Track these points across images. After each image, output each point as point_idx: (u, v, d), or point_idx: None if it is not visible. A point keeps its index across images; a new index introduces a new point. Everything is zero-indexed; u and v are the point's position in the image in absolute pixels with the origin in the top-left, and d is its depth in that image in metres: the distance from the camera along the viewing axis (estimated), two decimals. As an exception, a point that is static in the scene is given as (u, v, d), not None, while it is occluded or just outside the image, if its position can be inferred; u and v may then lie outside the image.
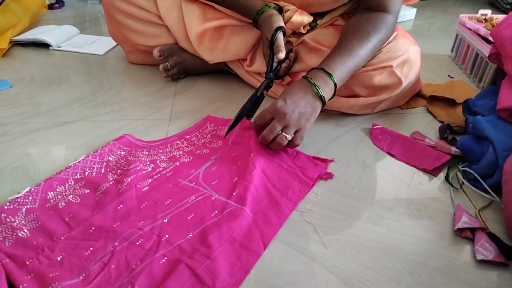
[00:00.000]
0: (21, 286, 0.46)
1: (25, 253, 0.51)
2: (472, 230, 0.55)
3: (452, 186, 0.65)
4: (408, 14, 1.54)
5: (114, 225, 0.55)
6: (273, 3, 0.82)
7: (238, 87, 0.97)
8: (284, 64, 0.80)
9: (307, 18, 0.83)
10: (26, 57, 1.17)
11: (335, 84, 0.69)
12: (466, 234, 0.55)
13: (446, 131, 0.76)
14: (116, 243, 0.52)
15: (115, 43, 1.21)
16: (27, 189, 0.61)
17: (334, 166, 0.69)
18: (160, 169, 0.67)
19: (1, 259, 0.49)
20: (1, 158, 0.70)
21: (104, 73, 1.06)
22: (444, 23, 1.50)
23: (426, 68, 1.06)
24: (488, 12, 1.08)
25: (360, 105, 0.80)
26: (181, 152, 0.72)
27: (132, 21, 0.95)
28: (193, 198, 0.61)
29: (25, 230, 0.54)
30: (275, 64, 0.78)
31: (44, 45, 1.23)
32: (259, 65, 0.89)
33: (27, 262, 0.49)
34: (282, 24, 0.78)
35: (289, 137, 0.67)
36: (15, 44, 1.24)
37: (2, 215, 0.56)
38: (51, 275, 0.47)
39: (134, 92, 0.95)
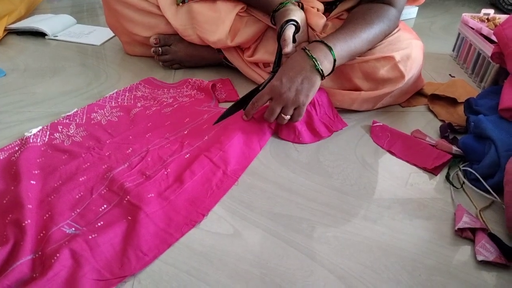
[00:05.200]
0: (80, 179, 0.59)
1: (80, 150, 0.66)
2: (473, 231, 0.54)
3: (453, 185, 0.64)
4: (409, 12, 1.53)
5: (147, 136, 0.71)
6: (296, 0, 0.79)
7: (236, 80, 0.95)
8: None
9: (322, 21, 0.81)
10: (22, 45, 1.15)
11: (334, 60, 0.68)
12: (466, 235, 0.54)
13: (447, 130, 0.76)
14: (149, 146, 0.67)
15: (112, 34, 1.20)
16: (75, 109, 0.78)
17: (334, 164, 0.68)
18: (179, 101, 0.83)
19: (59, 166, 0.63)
20: (-7, 147, 0.68)
21: (101, 64, 1.04)
22: (445, 23, 1.49)
23: (427, 67, 1.05)
24: (491, 11, 1.07)
25: (361, 99, 0.79)
26: (195, 91, 0.88)
27: (131, 11, 0.94)
28: (206, 116, 0.76)
29: (78, 137, 0.70)
30: (284, 59, 0.76)
31: (40, 34, 1.20)
32: (260, 55, 0.88)
33: (83, 155, 0.65)
34: (296, 18, 0.75)
35: (287, 117, 0.69)
36: (10, 32, 1.21)
37: (59, 126, 0.73)
38: (103, 167, 0.62)
39: (131, 84, 0.93)
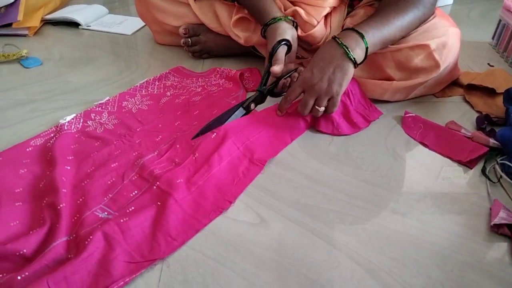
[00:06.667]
0: (112, 165, 0.61)
1: (112, 137, 0.68)
2: (510, 227, 0.52)
3: (489, 179, 0.61)
4: (446, -2, 1.46)
5: (176, 124, 0.72)
6: (289, 17, 0.78)
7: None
8: (283, 81, 0.75)
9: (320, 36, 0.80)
10: (57, 35, 1.18)
11: (366, 47, 0.66)
12: (503, 231, 0.52)
13: (484, 122, 0.72)
14: (178, 133, 0.69)
15: (143, 24, 1.21)
16: (107, 98, 0.80)
17: (363, 155, 0.67)
18: (208, 90, 0.85)
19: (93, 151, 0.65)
20: (31, 133, 0.71)
21: (132, 53, 1.06)
22: (484, 9, 1.42)
23: (463, 55, 1.00)
24: (536, -4, 1.00)
25: (393, 89, 0.76)
26: (223, 80, 0.88)
27: (160, 1, 0.95)
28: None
29: (110, 125, 0.72)
30: (272, 79, 0.74)
31: (74, 24, 1.24)
32: None
33: (115, 142, 0.67)
34: (289, 37, 0.75)
35: (322, 108, 0.67)
36: (46, 22, 1.25)
37: (92, 114, 0.75)
38: (134, 154, 0.64)
39: (160, 73, 0.94)
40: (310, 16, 0.80)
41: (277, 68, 0.71)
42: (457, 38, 0.76)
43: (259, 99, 0.73)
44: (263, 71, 0.75)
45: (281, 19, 0.77)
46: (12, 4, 1.15)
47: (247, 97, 0.82)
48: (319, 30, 0.81)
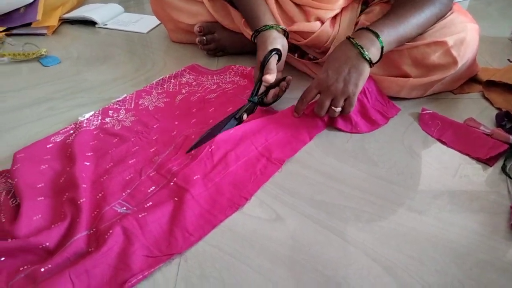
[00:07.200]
0: (130, 161, 0.62)
1: (129, 134, 0.70)
2: (531, 226, 0.51)
3: (509, 177, 0.60)
4: (463, -7, 1.44)
5: (191, 121, 0.73)
6: (280, 26, 0.78)
7: (280, 68, 0.94)
8: (273, 90, 0.74)
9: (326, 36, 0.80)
10: (74, 34, 1.20)
11: (382, 47, 0.66)
12: (524, 229, 0.51)
13: (504, 119, 0.71)
14: (194, 129, 0.69)
15: (158, 22, 1.22)
16: (124, 95, 0.81)
17: (380, 152, 0.66)
18: (223, 87, 0.85)
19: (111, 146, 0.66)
20: (49, 131, 0.72)
21: (147, 51, 1.07)
22: (503, 4, 1.39)
23: (482, 51, 0.98)
24: (558, -10, 0.98)
25: (410, 86, 0.76)
26: (238, 77, 0.89)
27: (175, -1, 0.96)
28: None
29: (128, 122, 0.73)
30: (263, 89, 0.74)
31: (91, 23, 1.26)
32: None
33: (132, 139, 0.68)
34: (279, 46, 0.74)
35: (338, 109, 0.67)
36: (64, 21, 1.28)
37: (110, 111, 0.76)
38: (151, 150, 0.65)
39: (176, 71, 0.95)
40: (312, 22, 0.79)
41: (269, 77, 0.71)
42: (476, 34, 0.75)
43: (251, 109, 0.72)
44: (255, 81, 0.75)
45: (272, 27, 0.76)
46: (31, 4, 1.18)
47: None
48: (322, 32, 0.80)
